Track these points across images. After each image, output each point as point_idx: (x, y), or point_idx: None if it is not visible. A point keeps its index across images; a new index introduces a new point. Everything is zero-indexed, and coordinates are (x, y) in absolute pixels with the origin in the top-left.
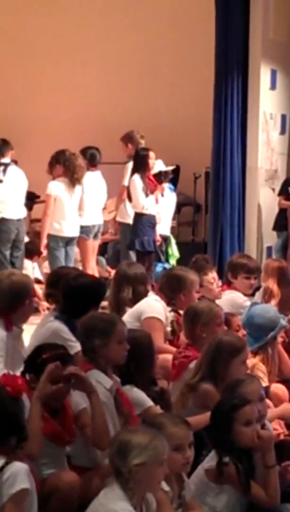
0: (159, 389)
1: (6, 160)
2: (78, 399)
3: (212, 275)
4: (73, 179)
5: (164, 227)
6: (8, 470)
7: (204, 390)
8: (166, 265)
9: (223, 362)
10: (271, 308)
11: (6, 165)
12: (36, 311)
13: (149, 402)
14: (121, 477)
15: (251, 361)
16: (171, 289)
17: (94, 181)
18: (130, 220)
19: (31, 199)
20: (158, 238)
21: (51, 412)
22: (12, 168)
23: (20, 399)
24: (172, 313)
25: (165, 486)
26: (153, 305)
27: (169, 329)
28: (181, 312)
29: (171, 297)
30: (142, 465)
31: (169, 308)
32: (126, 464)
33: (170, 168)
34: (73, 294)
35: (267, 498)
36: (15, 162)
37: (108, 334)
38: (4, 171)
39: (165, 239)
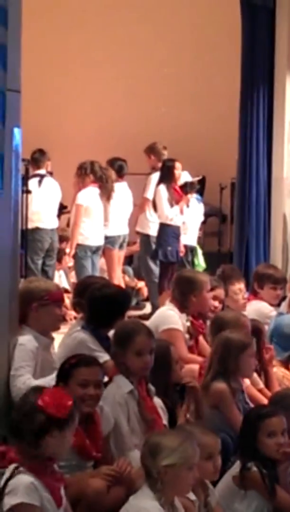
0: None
1: (42, 171)
2: (109, 421)
3: (239, 286)
4: (108, 192)
5: (190, 237)
6: (12, 481)
7: (215, 389)
8: None
9: (234, 358)
10: None
11: (42, 176)
12: (63, 320)
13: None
14: (151, 478)
15: (279, 370)
16: (182, 292)
17: (120, 192)
18: (149, 231)
19: (59, 209)
20: (182, 249)
21: (81, 425)
22: (47, 180)
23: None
24: (187, 318)
25: (191, 495)
26: (167, 316)
27: (187, 336)
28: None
29: (183, 300)
30: (171, 467)
31: (184, 315)
32: (155, 465)
33: (196, 179)
34: (97, 304)
35: None
36: (50, 173)
37: (125, 344)
38: (40, 182)
39: (192, 250)
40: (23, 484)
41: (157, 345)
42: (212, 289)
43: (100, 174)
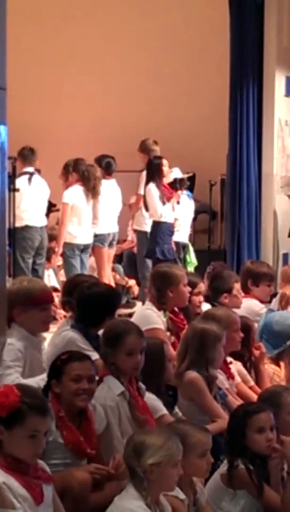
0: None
1: (30, 169)
2: (102, 420)
3: (238, 284)
4: (94, 192)
5: (182, 234)
6: None
7: (188, 379)
8: None
9: (211, 348)
10: (289, 315)
11: (31, 174)
12: (53, 319)
13: (163, 410)
14: (136, 477)
15: (270, 367)
16: (158, 288)
17: (109, 189)
18: (146, 228)
19: (47, 208)
20: (173, 246)
21: (75, 423)
22: (36, 178)
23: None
24: (165, 314)
25: (181, 494)
26: (147, 316)
27: (167, 333)
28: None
29: (160, 296)
30: (157, 465)
31: (161, 312)
32: (140, 464)
33: (186, 175)
34: (87, 303)
35: (282, 505)
36: (38, 171)
37: (116, 344)
38: (29, 179)
39: (184, 247)
40: None
41: (151, 343)
42: (194, 285)
43: (83, 171)
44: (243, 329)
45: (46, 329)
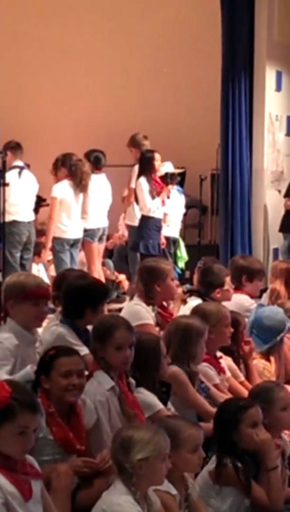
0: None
1: (20, 163)
2: (91, 413)
3: (228, 278)
4: (81, 186)
5: (173, 229)
6: None
7: (170, 374)
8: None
9: (194, 343)
10: (279, 310)
11: (21, 168)
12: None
13: (159, 405)
14: (124, 473)
15: (260, 362)
16: (145, 282)
17: (98, 184)
18: (138, 222)
19: (37, 202)
20: (163, 240)
21: (64, 418)
22: (25, 172)
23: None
24: (153, 308)
25: (172, 489)
26: (136, 311)
27: (157, 329)
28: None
29: (148, 291)
30: (145, 460)
31: (150, 307)
32: (129, 460)
33: (177, 171)
34: (69, 295)
35: (269, 501)
36: (28, 166)
37: (104, 339)
38: (19, 173)
39: (174, 242)
40: None
41: (147, 339)
42: (237, 323)
43: (70, 166)
44: (232, 325)
45: (39, 325)
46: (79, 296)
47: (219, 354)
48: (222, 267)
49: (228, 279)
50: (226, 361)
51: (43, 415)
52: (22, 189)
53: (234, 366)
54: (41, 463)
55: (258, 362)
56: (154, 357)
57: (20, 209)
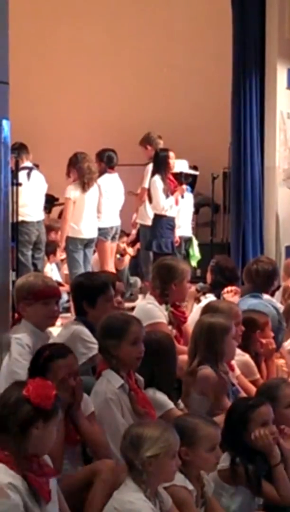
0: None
1: (28, 164)
2: (88, 402)
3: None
4: (82, 182)
5: (185, 228)
6: None
7: (202, 375)
8: None
9: (220, 341)
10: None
11: (30, 169)
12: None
13: (171, 404)
14: (134, 470)
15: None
16: (162, 280)
17: (111, 183)
18: (149, 222)
19: (50, 202)
20: (177, 239)
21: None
22: (34, 173)
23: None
24: (167, 307)
25: (189, 485)
26: (148, 310)
27: (170, 327)
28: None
29: (164, 289)
30: (155, 457)
31: (162, 306)
32: (139, 457)
33: (193, 172)
34: (72, 292)
35: (279, 497)
36: (36, 166)
37: (121, 334)
38: (28, 174)
39: (186, 241)
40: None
41: (162, 337)
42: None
43: (78, 164)
44: (247, 323)
45: (52, 324)
46: (75, 292)
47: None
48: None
49: None
50: (244, 358)
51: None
52: (31, 190)
53: (252, 364)
54: None
55: (276, 361)
56: (172, 354)
57: (29, 209)
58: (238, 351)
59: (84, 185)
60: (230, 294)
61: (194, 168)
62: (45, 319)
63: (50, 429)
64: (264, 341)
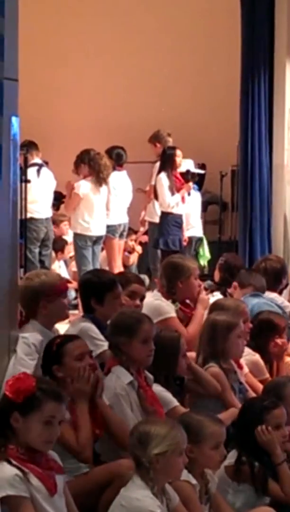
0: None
1: (38, 160)
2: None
3: None
4: (99, 179)
5: (195, 228)
6: None
7: (211, 374)
8: None
9: (222, 338)
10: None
11: (40, 166)
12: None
13: (175, 402)
14: (142, 467)
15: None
16: (169, 278)
17: (120, 180)
18: (158, 220)
19: (58, 199)
20: (185, 237)
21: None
22: (44, 170)
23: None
24: (174, 304)
25: (192, 479)
26: (157, 307)
27: None
28: (188, 302)
29: (170, 287)
30: (162, 455)
31: (169, 301)
32: (146, 454)
33: (200, 171)
34: (79, 290)
35: (283, 495)
36: (46, 163)
37: (132, 332)
38: (38, 171)
39: (197, 241)
40: (6, 477)
41: (167, 336)
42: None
43: (89, 161)
44: (262, 324)
45: (67, 316)
46: (83, 289)
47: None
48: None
49: None
50: (253, 357)
51: (67, 407)
52: (41, 187)
53: (261, 363)
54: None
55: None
56: (170, 354)
57: (39, 206)
58: (248, 350)
59: (101, 181)
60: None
61: (202, 166)
62: (63, 312)
63: (31, 422)
64: (279, 341)
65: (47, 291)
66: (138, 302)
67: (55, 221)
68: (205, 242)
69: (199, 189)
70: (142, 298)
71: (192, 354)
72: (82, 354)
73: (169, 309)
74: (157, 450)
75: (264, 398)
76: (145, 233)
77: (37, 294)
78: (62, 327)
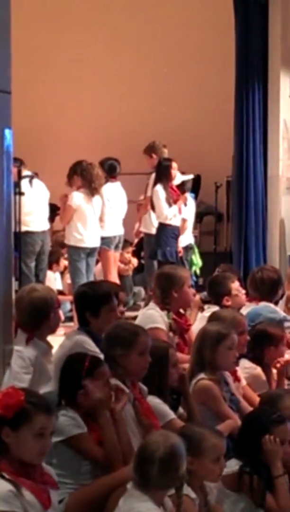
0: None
1: (28, 172)
2: None
3: (235, 284)
4: (91, 189)
5: (187, 236)
6: None
7: (201, 385)
8: None
9: (210, 349)
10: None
11: (31, 177)
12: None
13: (172, 415)
14: (151, 484)
15: None
16: (163, 288)
17: (114, 192)
18: (154, 231)
19: (53, 211)
20: (180, 249)
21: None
22: (35, 181)
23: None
24: (168, 314)
25: (191, 493)
26: (149, 316)
27: (170, 334)
28: (181, 311)
29: (164, 297)
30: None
31: (164, 312)
32: (178, 474)
33: (190, 177)
34: (74, 302)
35: (278, 508)
36: (36, 174)
37: (129, 345)
38: (30, 182)
39: (189, 248)
40: (0, 492)
41: (155, 346)
42: None
43: (82, 172)
44: (261, 337)
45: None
46: (78, 302)
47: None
48: (227, 275)
49: (234, 285)
50: (255, 371)
51: (57, 418)
52: (35, 198)
53: (263, 377)
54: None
55: None
56: (158, 365)
57: (34, 218)
58: (249, 363)
59: (93, 191)
60: (229, 302)
61: (197, 177)
62: (58, 323)
63: (23, 436)
64: (281, 360)
65: (54, 303)
66: (121, 308)
67: (58, 241)
68: (196, 249)
69: (195, 197)
70: (124, 304)
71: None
72: (109, 379)
73: (160, 320)
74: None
75: (272, 411)
76: (139, 244)
77: (47, 307)
78: (57, 340)
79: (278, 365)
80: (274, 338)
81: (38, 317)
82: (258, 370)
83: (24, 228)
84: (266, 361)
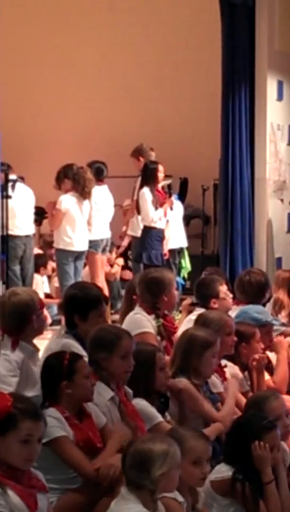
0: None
1: (13, 176)
2: (99, 414)
3: (223, 287)
4: (84, 193)
5: (177, 239)
6: None
7: (182, 388)
8: (178, 278)
9: (197, 355)
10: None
11: (14, 181)
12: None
13: (159, 418)
14: (143, 488)
15: None
16: (153, 294)
17: (101, 195)
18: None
19: (40, 214)
20: (165, 251)
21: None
22: (19, 185)
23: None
24: (156, 320)
25: (179, 497)
26: (136, 320)
27: (158, 338)
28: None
29: (155, 302)
30: (167, 473)
31: (152, 316)
32: (150, 476)
33: (167, 182)
34: (62, 305)
35: None
36: (22, 178)
37: (112, 348)
38: (13, 186)
39: (179, 252)
40: None
41: (142, 350)
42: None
43: (73, 175)
44: (237, 336)
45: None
46: (67, 304)
47: (223, 362)
48: (216, 277)
49: (222, 288)
50: (233, 370)
51: (46, 424)
52: (17, 202)
53: (240, 376)
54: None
55: None
56: (145, 369)
57: (17, 222)
58: (229, 363)
59: (86, 195)
60: (216, 305)
61: (184, 180)
62: (44, 325)
63: (9, 442)
64: (257, 356)
65: (36, 306)
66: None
67: (51, 242)
68: (186, 253)
69: (182, 200)
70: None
71: None
72: (89, 373)
73: (148, 324)
74: (161, 470)
75: (262, 416)
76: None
77: (29, 309)
78: (44, 343)
79: (254, 362)
80: (243, 335)
81: (20, 321)
82: (236, 369)
83: (5, 232)
84: (243, 361)
